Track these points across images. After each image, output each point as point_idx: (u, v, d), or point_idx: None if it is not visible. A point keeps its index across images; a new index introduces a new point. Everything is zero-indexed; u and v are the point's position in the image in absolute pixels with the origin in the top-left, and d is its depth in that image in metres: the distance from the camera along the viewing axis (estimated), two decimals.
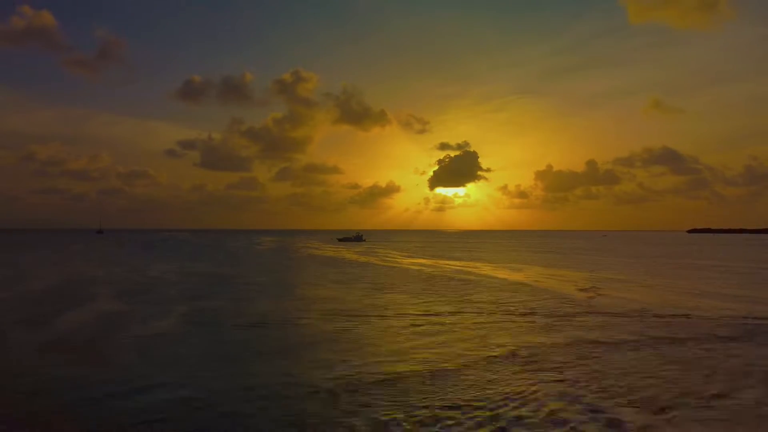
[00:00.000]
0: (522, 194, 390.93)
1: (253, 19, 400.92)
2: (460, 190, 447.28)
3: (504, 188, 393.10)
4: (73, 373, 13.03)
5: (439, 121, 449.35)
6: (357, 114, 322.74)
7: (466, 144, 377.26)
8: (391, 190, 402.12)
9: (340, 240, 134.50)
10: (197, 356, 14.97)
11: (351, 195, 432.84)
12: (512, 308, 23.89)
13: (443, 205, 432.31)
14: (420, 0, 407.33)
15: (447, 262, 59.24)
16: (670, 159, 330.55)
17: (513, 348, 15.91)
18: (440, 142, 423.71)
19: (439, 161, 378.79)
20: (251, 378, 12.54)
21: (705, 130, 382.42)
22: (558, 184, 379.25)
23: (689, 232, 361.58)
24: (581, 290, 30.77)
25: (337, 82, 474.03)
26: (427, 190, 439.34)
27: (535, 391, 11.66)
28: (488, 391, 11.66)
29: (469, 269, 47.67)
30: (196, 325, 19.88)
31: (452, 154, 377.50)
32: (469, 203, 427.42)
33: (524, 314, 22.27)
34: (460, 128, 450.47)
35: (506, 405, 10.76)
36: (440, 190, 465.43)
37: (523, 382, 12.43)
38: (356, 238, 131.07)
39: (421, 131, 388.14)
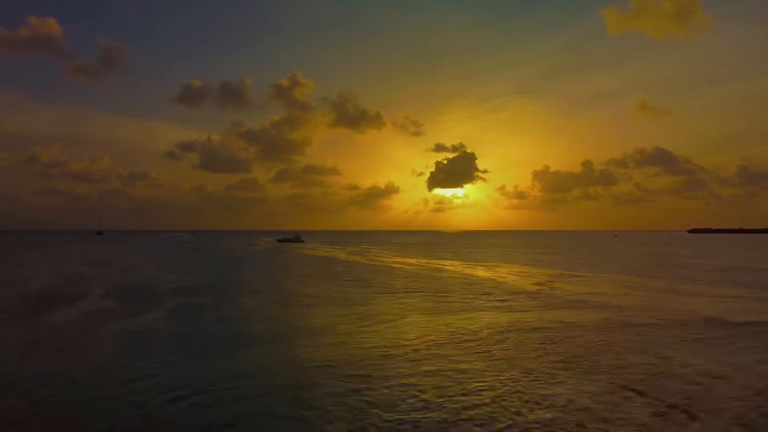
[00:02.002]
0: (520, 195, 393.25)
1: (252, 25, 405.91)
2: (459, 191, 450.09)
3: (502, 189, 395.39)
4: (56, 368, 13.74)
5: (437, 121, 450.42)
6: (353, 117, 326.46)
7: (462, 146, 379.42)
8: (390, 191, 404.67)
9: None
10: (175, 349, 16.38)
11: (350, 196, 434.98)
12: (453, 298, 26.58)
13: (442, 205, 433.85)
14: (419, 0, 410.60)
15: (429, 260, 61.86)
16: (663, 160, 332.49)
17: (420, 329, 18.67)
18: (436, 143, 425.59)
19: (437, 163, 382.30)
20: (229, 366, 14.06)
21: (698, 131, 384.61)
22: (555, 185, 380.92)
23: (690, 232, 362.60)
24: (536, 284, 33.47)
25: (335, 84, 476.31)
26: (425, 191, 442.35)
27: (408, 339, 14.38)
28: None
29: (447, 267, 50.33)
30: (179, 319, 21.42)
31: (449, 155, 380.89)
32: (468, 204, 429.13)
33: (451, 297, 24.98)
34: (458, 129, 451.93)
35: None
36: (439, 191, 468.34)
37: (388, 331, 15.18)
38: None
39: (416, 133, 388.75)
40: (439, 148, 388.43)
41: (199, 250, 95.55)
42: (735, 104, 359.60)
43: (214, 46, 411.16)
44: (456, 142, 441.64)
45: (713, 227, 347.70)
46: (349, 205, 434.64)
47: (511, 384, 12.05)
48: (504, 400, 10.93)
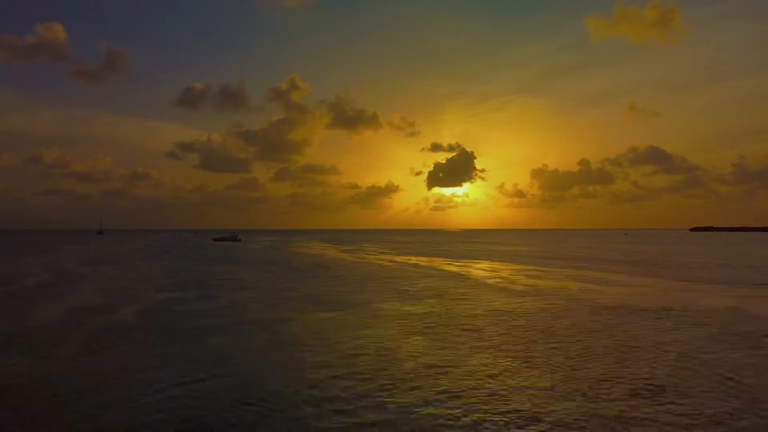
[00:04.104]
0: (519, 193, 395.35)
1: (251, 29, 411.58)
2: (458, 190, 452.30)
3: (501, 187, 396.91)
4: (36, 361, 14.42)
5: (435, 121, 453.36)
6: (351, 119, 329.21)
7: (459, 145, 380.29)
8: (390, 189, 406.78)
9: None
10: (152, 338, 19.00)
11: (351, 195, 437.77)
12: (411, 289, 28.79)
13: (442, 204, 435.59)
14: (419, 0, 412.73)
15: (411, 257, 63.95)
16: (657, 158, 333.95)
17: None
18: (432, 142, 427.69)
19: (436, 162, 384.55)
20: (205, 355, 16.38)
21: (693, 129, 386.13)
22: (554, 183, 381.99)
23: (692, 230, 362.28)
24: (496, 277, 35.80)
25: (332, 86, 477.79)
26: (425, 189, 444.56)
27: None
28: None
29: (424, 263, 52.53)
30: (158, 314, 22.63)
31: (447, 155, 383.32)
32: (468, 202, 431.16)
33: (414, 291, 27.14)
34: (456, 128, 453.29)
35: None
36: (439, 190, 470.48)
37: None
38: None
39: (413, 133, 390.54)
40: (436, 147, 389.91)
41: (196, 249, 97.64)
42: (730, 103, 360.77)
43: (213, 50, 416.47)
44: (452, 142, 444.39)
45: (715, 225, 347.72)
46: (350, 204, 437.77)
47: (443, 357, 14.25)
48: (434, 368, 13.11)
